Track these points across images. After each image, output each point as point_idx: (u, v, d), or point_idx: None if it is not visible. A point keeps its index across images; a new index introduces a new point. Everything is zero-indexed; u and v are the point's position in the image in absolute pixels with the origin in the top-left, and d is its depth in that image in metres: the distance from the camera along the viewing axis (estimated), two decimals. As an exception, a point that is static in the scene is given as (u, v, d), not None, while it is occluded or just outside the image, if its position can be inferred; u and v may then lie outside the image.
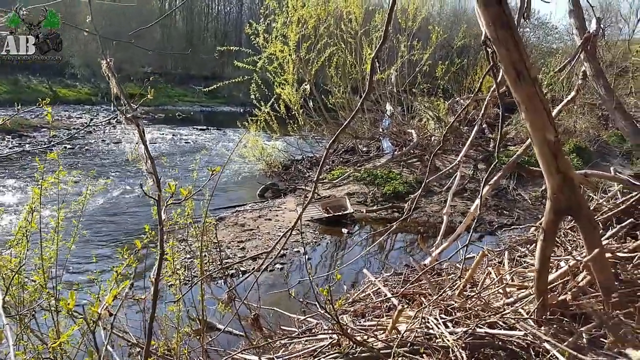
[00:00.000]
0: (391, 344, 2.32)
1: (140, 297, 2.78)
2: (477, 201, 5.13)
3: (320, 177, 10.62)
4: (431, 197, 9.73)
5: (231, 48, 12.48)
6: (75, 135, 15.35)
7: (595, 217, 5.51)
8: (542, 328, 2.48)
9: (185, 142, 15.89)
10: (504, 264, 4.12)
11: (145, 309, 3.04)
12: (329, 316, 2.56)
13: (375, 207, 9.03)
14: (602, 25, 6.50)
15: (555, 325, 2.48)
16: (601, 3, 23.41)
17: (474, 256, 5.47)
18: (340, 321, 2.61)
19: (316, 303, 3.25)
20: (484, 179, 3.40)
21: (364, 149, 13.16)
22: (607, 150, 14.70)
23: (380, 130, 13.34)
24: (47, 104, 2.77)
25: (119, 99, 2.27)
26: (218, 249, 4.68)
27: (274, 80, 11.60)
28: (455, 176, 5.84)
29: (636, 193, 5.54)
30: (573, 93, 6.16)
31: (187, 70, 31.15)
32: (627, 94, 16.65)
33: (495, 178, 5.56)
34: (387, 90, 13.74)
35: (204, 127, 19.27)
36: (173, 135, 17.01)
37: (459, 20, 21.43)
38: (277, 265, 6.14)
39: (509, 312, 2.60)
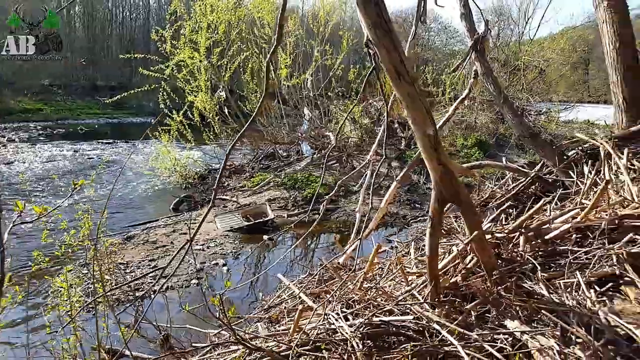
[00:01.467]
0: (292, 344, 2.33)
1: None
2: (386, 197, 5.36)
3: (221, 184, 10.50)
4: (350, 197, 10.02)
5: (137, 56, 11.91)
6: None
7: (490, 202, 6.07)
8: (436, 310, 2.65)
9: (89, 158, 14.67)
10: (410, 254, 4.34)
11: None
12: (236, 327, 2.50)
13: (296, 212, 9.09)
14: (490, 28, 7.17)
15: (447, 306, 2.66)
16: (496, 8, 25.79)
17: (387, 249, 5.75)
18: (242, 329, 2.56)
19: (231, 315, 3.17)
20: (373, 174, 3.55)
21: (284, 153, 13.20)
22: (504, 142, 16.08)
23: (299, 134, 13.48)
24: None
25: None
26: (118, 271, 4.38)
27: (185, 88, 11.23)
28: (366, 174, 6.04)
29: (523, 180, 6.19)
30: (466, 91, 6.67)
31: (91, 81, 29.06)
32: (520, 90, 18.34)
33: (402, 174, 5.84)
34: (303, 94, 13.93)
35: (111, 141, 18.00)
36: (75, 151, 15.64)
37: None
38: (194, 281, 5.90)
39: (403, 298, 2.74)
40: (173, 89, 10.95)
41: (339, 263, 4.49)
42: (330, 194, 5.80)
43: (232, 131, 12.17)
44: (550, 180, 6.04)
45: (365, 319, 2.47)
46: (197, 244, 7.07)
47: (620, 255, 3.05)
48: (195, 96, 11.19)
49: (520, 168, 6.68)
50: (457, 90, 15.09)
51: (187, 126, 10.95)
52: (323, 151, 12.06)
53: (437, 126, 5.97)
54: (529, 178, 5.99)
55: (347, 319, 2.60)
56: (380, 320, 2.47)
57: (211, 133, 11.61)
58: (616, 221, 3.32)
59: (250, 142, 13.58)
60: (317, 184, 10.18)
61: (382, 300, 2.82)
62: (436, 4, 6.87)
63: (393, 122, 13.90)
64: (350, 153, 11.75)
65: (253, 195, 9.91)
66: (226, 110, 12.13)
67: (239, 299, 5.46)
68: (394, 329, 2.42)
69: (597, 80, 30.87)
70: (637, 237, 3.21)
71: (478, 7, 7.28)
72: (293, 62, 13.30)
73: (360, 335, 2.37)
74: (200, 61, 11.09)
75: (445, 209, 3.39)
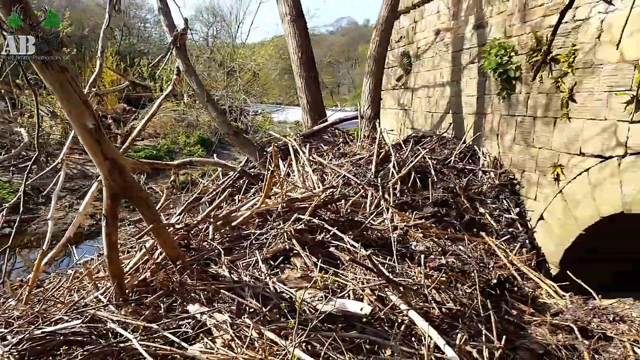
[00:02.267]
0: None
1: None
2: (85, 200, 4.86)
3: None
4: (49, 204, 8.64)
5: None
6: None
7: (203, 197, 6.39)
8: (122, 309, 2.59)
9: None
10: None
11: None
12: None
13: (-30, 228, 7.14)
14: (189, 25, 7.32)
15: (133, 304, 2.64)
16: (209, 8, 26.43)
17: (92, 258, 5.24)
18: None
19: None
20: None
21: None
22: (227, 140, 17.16)
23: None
24: None
25: None
26: None
27: None
28: (60, 176, 5.30)
29: (232, 174, 6.78)
30: (169, 88, 6.70)
31: None
32: (237, 91, 19.64)
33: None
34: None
35: None
36: None
37: (73, 8, 19.44)
38: None
39: (84, 304, 2.58)
40: None
41: (21, 280, 3.80)
42: (12, 202, 4.86)
43: None
44: (253, 174, 6.83)
45: (25, 335, 2.18)
46: None
47: (289, 232, 3.74)
48: None
49: (228, 164, 7.28)
50: (180, 86, 14.91)
51: None
52: (13, 151, 9.86)
53: (143, 122, 5.84)
54: (237, 173, 6.61)
55: (5, 339, 2.23)
56: (43, 332, 2.22)
57: None
58: (286, 205, 4.05)
59: None
60: (6, 190, 8.37)
61: (56, 310, 2.55)
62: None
63: (106, 116, 12.69)
64: (51, 152, 10.05)
65: None
66: None
67: None
68: (61, 337, 2.23)
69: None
70: (301, 216, 4.00)
71: (177, 4, 7.37)
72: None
73: (18, 354, 2.07)
74: None
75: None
